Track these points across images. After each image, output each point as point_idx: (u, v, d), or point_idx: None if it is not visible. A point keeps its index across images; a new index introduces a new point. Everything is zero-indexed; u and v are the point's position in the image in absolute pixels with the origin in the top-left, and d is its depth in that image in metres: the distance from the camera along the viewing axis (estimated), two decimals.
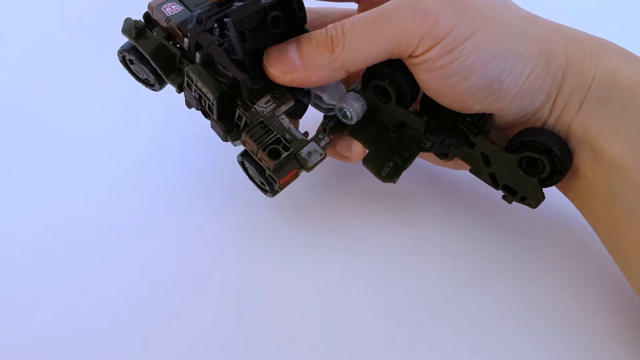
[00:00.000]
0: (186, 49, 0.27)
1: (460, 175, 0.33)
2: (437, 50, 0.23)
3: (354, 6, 0.32)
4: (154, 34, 0.27)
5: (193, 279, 0.30)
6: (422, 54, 0.24)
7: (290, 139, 0.27)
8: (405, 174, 0.29)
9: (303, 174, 0.28)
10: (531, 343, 0.27)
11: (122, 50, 0.29)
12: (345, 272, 0.30)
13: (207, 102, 0.27)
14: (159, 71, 0.28)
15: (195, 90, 0.27)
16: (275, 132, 0.26)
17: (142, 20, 0.28)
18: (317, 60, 0.25)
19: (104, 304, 0.29)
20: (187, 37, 0.26)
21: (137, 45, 0.27)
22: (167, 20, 0.27)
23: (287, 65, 0.25)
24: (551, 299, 0.29)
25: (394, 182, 0.28)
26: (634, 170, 0.23)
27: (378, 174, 0.29)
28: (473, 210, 0.33)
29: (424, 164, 0.33)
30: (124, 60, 0.30)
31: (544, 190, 0.26)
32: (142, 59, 0.28)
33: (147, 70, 0.29)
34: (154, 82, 0.29)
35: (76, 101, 0.40)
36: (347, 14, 0.33)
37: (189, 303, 0.29)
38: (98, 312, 0.28)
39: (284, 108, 0.27)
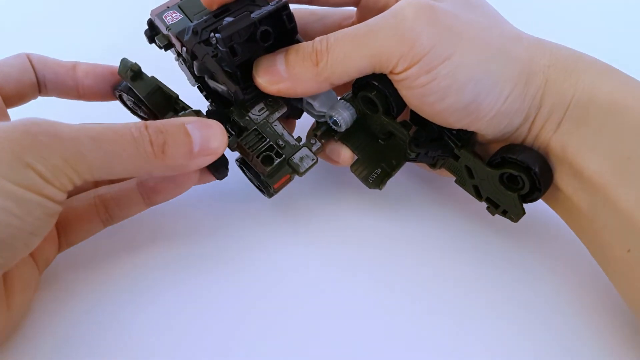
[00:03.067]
0: (184, 57, 0.28)
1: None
2: (415, 70, 0.24)
3: (353, 8, 0.33)
4: (148, 78, 0.28)
5: (189, 277, 0.30)
6: (402, 72, 0.24)
7: (283, 145, 0.28)
8: (403, 173, 0.29)
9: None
10: (529, 341, 0.27)
11: (119, 90, 0.29)
12: (343, 269, 0.30)
13: None
14: (155, 112, 0.28)
15: None
16: (268, 140, 0.28)
17: (138, 65, 0.28)
18: (302, 73, 0.25)
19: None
20: (185, 46, 0.28)
21: (132, 88, 0.28)
22: (167, 29, 0.28)
23: (274, 76, 0.26)
24: (546, 297, 0.29)
25: (380, 189, 0.29)
26: (612, 188, 0.24)
27: (365, 180, 0.30)
28: (469, 210, 0.33)
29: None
30: (120, 98, 0.30)
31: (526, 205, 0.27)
32: (138, 99, 0.28)
33: (144, 109, 0.29)
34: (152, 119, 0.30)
35: None
36: (347, 17, 0.33)
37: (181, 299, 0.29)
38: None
39: (277, 115, 0.29)
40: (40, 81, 0.29)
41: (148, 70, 0.28)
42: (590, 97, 0.24)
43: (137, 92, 0.27)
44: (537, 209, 0.29)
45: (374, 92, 0.27)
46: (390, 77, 0.25)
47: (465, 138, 0.27)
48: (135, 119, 0.31)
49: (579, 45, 0.27)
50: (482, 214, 0.32)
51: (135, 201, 0.29)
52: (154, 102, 0.28)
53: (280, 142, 0.28)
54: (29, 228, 0.21)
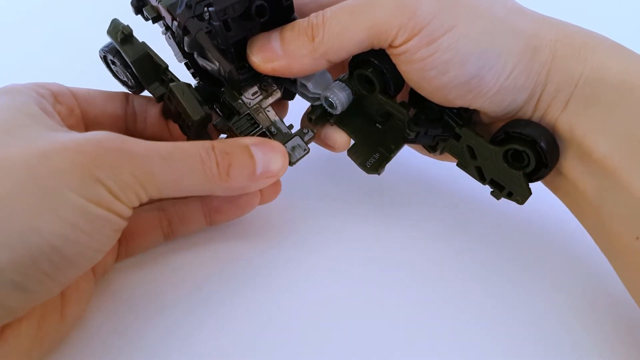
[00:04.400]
0: (174, 31, 0.27)
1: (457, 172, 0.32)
2: (415, 42, 0.23)
3: None
4: (139, 43, 0.27)
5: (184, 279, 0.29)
6: (401, 44, 0.23)
7: (275, 132, 0.27)
8: (401, 172, 0.28)
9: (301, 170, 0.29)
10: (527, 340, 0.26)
11: (105, 50, 0.28)
12: (341, 270, 0.29)
13: (186, 121, 0.27)
14: (140, 79, 0.27)
15: (175, 107, 0.27)
16: (261, 126, 0.27)
17: (130, 28, 0.27)
18: (297, 49, 0.24)
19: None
20: (176, 20, 0.26)
21: (121, 51, 0.27)
22: (157, 0, 0.27)
23: (269, 54, 0.25)
24: (543, 295, 0.28)
25: (379, 174, 0.28)
26: (622, 172, 0.22)
27: (363, 165, 0.28)
28: (467, 207, 0.32)
29: (420, 160, 0.33)
30: (104, 59, 0.29)
31: (533, 186, 0.25)
32: (124, 64, 0.27)
33: (128, 75, 0.28)
34: (134, 86, 0.29)
35: None
36: None
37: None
38: None
39: (271, 100, 0.28)
40: (130, 118, 0.29)
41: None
42: (600, 76, 0.23)
43: (125, 56, 0.26)
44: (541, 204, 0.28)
45: (370, 69, 0.26)
46: (389, 51, 0.24)
47: (467, 116, 0.26)
48: (118, 85, 0.30)
49: None
50: (485, 208, 0.31)
51: (197, 219, 0.29)
52: (141, 68, 0.27)
53: (273, 130, 0.27)
54: (95, 245, 0.20)
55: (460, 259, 0.30)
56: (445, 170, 0.32)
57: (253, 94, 0.27)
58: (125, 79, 0.29)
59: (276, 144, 0.25)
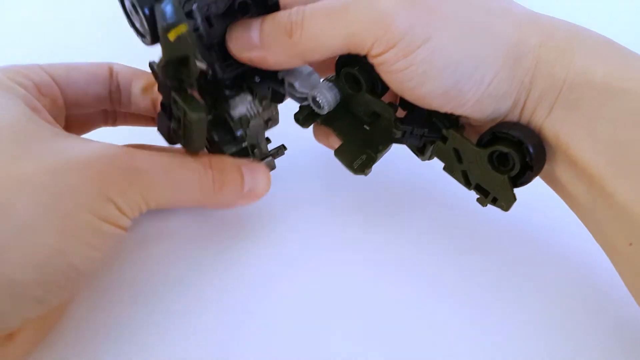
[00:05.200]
0: None
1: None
2: (392, 54, 0.22)
3: None
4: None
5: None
6: (378, 55, 0.23)
7: (255, 150, 0.29)
8: (401, 172, 0.29)
9: (300, 170, 0.32)
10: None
11: None
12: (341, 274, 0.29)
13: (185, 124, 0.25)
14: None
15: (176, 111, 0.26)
16: (245, 143, 0.28)
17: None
18: (274, 43, 0.24)
19: None
20: None
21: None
22: None
23: (247, 43, 0.24)
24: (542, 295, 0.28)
25: (365, 175, 0.28)
26: (607, 179, 0.22)
27: (349, 166, 0.28)
28: (468, 208, 0.32)
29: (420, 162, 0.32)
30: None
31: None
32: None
33: (146, 27, 0.25)
34: (147, 35, 0.25)
35: None
36: None
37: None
38: None
39: (265, 116, 0.28)
40: (114, 96, 0.29)
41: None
42: (584, 80, 0.22)
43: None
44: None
45: (356, 68, 0.26)
46: (370, 60, 0.24)
47: (453, 119, 0.26)
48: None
49: None
50: (485, 209, 0.30)
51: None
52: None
53: (255, 148, 0.29)
54: (103, 257, 0.22)
55: (461, 260, 0.30)
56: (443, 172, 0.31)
57: (250, 104, 0.27)
58: (141, 29, 0.26)
59: (263, 167, 0.28)
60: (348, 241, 0.31)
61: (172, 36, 0.20)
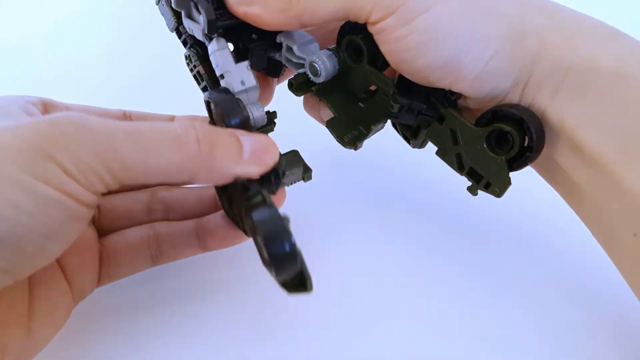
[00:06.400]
0: None
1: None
2: (391, 21, 0.22)
3: None
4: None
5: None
6: (377, 22, 0.22)
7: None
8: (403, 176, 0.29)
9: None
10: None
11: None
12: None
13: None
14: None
15: None
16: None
17: None
18: (273, 2, 0.24)
19: None
20: None
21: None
22: None
23: None
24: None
25: (356, 149, 0.27)
26: (615, 166, 0.21)
27: (340, 138, 0.27)
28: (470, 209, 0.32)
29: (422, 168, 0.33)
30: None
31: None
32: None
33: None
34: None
35: None
36: None
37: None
38: None
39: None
40: None
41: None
42: (591, 65, 0.22)
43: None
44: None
45: (360, 36, 0.25)
46: (369, 28, 0.23)
47: (452, 99, 0.26)
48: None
49: None
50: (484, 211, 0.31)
51: (190, 242, 0.27)
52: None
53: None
54: (41, 229, 0.17)
55: (464, 261, 0.30)
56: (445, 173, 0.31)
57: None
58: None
59: (265, 135, 0.23)
60: (347, 242, 0.30)
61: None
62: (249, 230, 0.22)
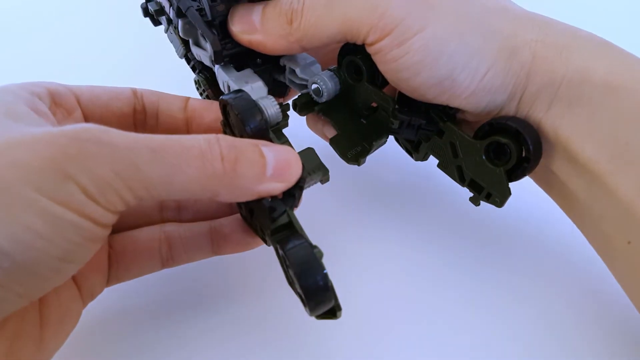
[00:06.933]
0: (172, 20, 0.28)
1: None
2: (387, 42, 0.23)
3: None
4: None
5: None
6: (373, 43, 0.23)
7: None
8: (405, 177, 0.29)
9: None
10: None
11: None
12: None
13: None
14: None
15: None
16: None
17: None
18: (274, 29, 0.25)
19: None
20: (172, 6, 0.27)
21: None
22: None
23: (248, 26, 0.25)
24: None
25: (359, 165, 0.28)
26: (609, 176, 0.22)
27: (344, 155, 0.28)
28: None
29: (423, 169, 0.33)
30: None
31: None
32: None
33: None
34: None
35: None
36: None
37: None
38: None
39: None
40: (139, 116, 0.27)
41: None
42: (584, 77, 0.23)
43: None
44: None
45: (359, 56, 0.26)
46: (367, 49, 0.24)
47: (451, 114, 0.26)
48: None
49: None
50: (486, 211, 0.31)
51: (203, 246, 0.26)
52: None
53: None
54: (58, 252, 0.17)
55: (461, 260, 0.30)
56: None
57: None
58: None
59: (288, 148, 0.22)
60: (346, 242, 0.30)
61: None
62: (276, 252, 0.21)
